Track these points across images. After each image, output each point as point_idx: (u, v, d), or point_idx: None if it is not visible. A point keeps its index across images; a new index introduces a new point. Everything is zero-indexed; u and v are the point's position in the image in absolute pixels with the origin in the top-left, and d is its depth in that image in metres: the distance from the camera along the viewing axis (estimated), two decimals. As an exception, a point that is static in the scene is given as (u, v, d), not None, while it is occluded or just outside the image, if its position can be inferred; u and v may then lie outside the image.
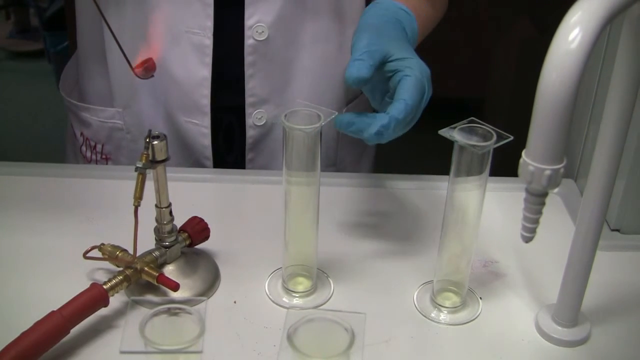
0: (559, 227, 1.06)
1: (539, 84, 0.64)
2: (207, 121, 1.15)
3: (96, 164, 1.25)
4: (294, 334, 0.60)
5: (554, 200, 1.14)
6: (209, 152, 1.17)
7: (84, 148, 1.25)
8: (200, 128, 1.15)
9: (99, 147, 1.23)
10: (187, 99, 1.14)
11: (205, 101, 1.13)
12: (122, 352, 0.61)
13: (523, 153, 0.67)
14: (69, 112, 1.27)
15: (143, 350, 0.61)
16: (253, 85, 1.13)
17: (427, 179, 1.16)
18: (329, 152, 1.23)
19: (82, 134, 1.25)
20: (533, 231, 0.73)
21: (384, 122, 0.85)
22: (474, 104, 2.65)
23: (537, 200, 0.70)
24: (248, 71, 1.11)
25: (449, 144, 0.82)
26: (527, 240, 0.74)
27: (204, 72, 1.11)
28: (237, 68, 1.12)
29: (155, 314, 0.63)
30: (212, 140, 1.17)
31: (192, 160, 1.19)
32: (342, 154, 1.26)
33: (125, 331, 0.63)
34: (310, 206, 0.88)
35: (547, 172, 0.67)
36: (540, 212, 0.71)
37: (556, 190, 1.15)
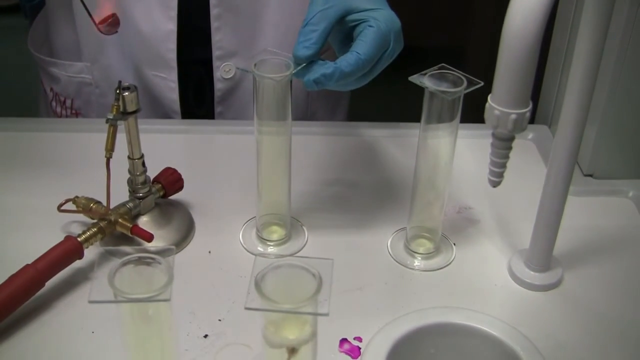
0: (532, 173, 1.06)
1: (504, 28, 0.64)
2: (174, 75, 1.14)
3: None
4: (262, 281, 0.60)
5: (527, 146, 1.14)
6: (176, 106, 1.17)
7: (54, 103, 1.24)
8: (167, 82, 1.15)
9: (68, 102, 1.22)
10: (153, 53, 1.13)
11: (172, 55, 1.12)
12: (91, 302, 0.61)
13: (489, 97, 0.68)
14: (39, 68, 1.26)
15: (112, 300, 0.61)
16: (220, 38, 1.12)
17: (400, 127, 1.16)
18: (299, 104, 1.22)
19: (51, 89, 1.24)
20: (500, 175, 0.73)
21: (327, 72, 0.81)
22: (453, 53, 2.63)
23: (503, 144, 0.70)
24: (214, 24, 1.10)
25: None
26: (495, 184, 0.74)
27: (169, 25, 1.10)
28: (204, 21, 1.11)
29: (124, 264, 0.63)
30: (181, 94, 1.16)
31: (161, 114, 1.18)
32: (313, 107, 1.25)
33: (95, 281, 0.63)
34: (282, 155, 0.88)
35: (513, 117, 0.67)
36: (507, 157, 0.72)
37: (530, 136, 1.15)
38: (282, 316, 0.62)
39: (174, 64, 1.13)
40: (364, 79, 0.85)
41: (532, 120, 1.20)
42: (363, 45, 0.82)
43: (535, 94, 1.20)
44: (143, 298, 0.60)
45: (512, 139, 0.70)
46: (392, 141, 1.13)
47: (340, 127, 1.17)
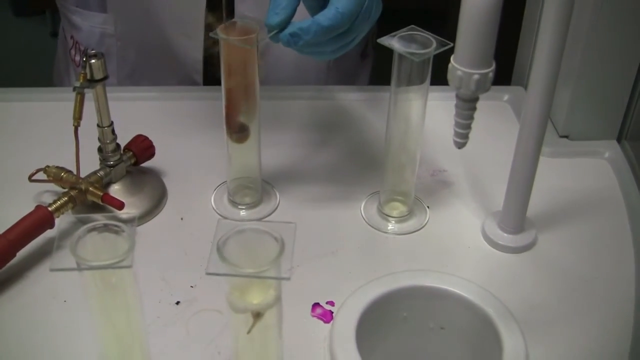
0: (507, 135, 1.03)
1: (465, -13, 0.64)
2: (200, 35, 1.14)
3: None
4: (224, 246, 0.61)
5: (503, 108, 1.14)
6: (200, 65, 1.17)
7: (73, 51, 1.24)
8: (193, 42, 1.15)
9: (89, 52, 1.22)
10: (182, 12, 1.13)
11: (201, 15, 1.12)
12: (52, 270, 0.61)
13: (452, 58, 0.67)
14: (61, 14, 1.26)
15: (73, 268, 0.61)
16: (243, 9, 1.11)
17: (373, 90, 1.16)
18: (320, 77, 1.22)
19: (72, 37, 1.24)
20: (465, 137, 0.73)
21: (304, 25, 0.79)
22: (437, 16, 2.62)
23: (467, 105, 0.70)
24: None
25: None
26: (460, 146, 0.74)
27: None
28: None
29: (88, 231, 0.63)
30: (211, 52, 1.16)
31: (181, 75, 1.19)
32: (331, 81, 1.24)
33: (59, 250, 0.63)
34: (251, 119, 0.88)
35: (476, 77, 0.67)
36: (471, 117, 0.72)
37: (506, 97, 1.15)
38: (246, 281, 0.63)
39: (202, 24, 1.13)
40: (341, 42, 0.83)
41: (507, 82, 1.21)
42: (340, 0, 0.80)
43: (511, 55, 1.20)
44: (104, 265, 0.61)
45: (475, 99, 0.70)
46: (365, 104, 1.13)
47: (311, 91, 1.16)
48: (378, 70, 1.33)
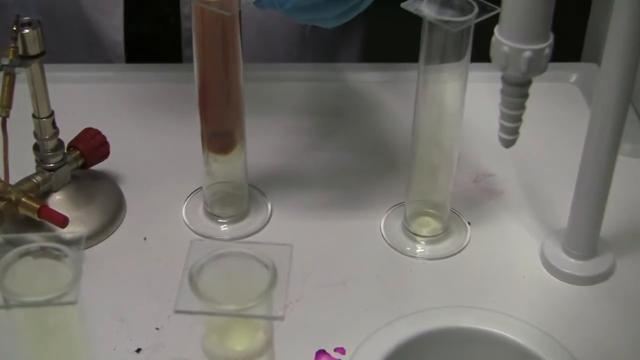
0: (575, 126, 1.03)
1: None
2: (119, 11, 1.15)
3: None
4: (199, 275, 0.61)
5: (569, 91, 1.15)
6: (119, 49, 1.19)
7: None
8: (110, 19, 1.16)
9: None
10: None
11: None
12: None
13: (495, 30, 0.68)
14: None
15: None
16: None
17: (395, 68, 1.17)
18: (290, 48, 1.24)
19: None
20: (514, 132, 0.73)
21: None
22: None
23: (515, 91, 0.70)
24: None
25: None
26: (507, 144, 0.74)
27: None
28: None
29: (20, 256, 0.64)
30: (133, 34, 1.18)
31: (101, 60, 1.20)
32: (307, 52, 1.26)
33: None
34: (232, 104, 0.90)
35: (527, 54, 0.67)
36: (521, 107, 0.72)
37: (574, 78, 1.15)
38: (227, 321, 0.63)
39: None
40: (344, 6, 0.85)
41: (577, 58, 1.21)
42: None
43: (581, 24, 1.20)
44: (41, 302, 0.61)
45: (527, 83, 0.70)
46: (385, 87, 1.14)
47: (316, 70, 1.17)
48: (372, 39, 1.34)
